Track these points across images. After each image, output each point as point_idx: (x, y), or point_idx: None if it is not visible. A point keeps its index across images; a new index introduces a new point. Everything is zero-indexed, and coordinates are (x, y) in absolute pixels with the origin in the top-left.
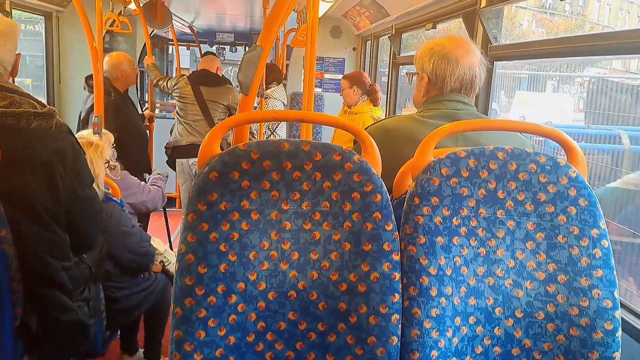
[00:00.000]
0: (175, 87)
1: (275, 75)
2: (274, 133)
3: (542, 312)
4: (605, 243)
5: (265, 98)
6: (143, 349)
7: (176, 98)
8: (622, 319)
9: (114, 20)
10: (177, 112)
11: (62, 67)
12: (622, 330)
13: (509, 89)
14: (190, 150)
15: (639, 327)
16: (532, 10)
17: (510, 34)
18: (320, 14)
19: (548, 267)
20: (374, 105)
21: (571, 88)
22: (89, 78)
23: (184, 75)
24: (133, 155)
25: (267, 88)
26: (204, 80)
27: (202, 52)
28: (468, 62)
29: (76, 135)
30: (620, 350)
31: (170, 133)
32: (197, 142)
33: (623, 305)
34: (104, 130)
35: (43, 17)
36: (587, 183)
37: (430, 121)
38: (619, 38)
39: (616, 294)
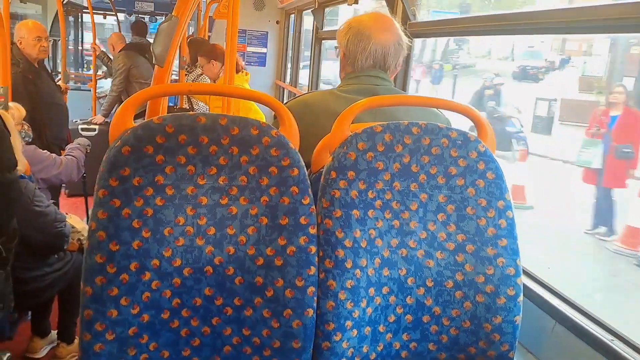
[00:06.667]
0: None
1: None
2: None
3: (451, 281)
4: (510, 214)
5: (201, 74)
6: (57, 330)
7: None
8: (524, 285)
9: None
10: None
11: None
12: (523, 295)
13: None
14: None
15: (538, 292)
16: None
17: None
18: None
19: (457, 237)
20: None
21: None
22: None
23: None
24: (50, 129)
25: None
26: None
27: (121, 23)
28: (381, 39)
29: None
30: (521, 314)
31: None
32: None
33: (524, 272)
34: (13, 104)
35: None
36: (495, 157)
37: (349, 96)
38: (535, 18)
39: (518, 262)
